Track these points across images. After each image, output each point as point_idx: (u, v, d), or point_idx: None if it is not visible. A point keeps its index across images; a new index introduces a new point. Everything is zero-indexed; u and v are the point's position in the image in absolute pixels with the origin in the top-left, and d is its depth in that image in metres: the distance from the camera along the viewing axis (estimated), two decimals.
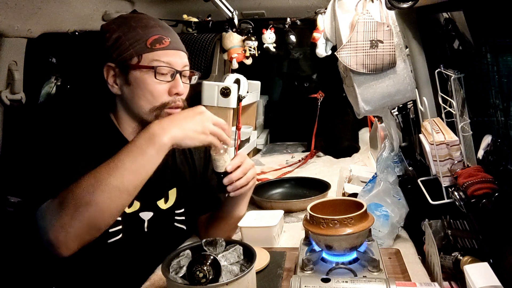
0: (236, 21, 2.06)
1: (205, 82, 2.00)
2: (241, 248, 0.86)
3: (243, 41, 2.09)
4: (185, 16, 2.18)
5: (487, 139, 0.97)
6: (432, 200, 1.08)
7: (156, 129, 0.91)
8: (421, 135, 1.17)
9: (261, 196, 1.63)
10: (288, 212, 1.47)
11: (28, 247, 1.33)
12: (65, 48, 1.90)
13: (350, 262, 0.92)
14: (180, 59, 1.06)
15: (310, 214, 0.93)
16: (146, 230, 1.11)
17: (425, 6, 1.02)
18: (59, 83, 1.97)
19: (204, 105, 2.01)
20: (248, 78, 2.24)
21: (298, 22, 2.17)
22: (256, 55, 2.11)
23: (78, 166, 0.93)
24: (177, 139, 0.92)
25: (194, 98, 1.98)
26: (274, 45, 2.19)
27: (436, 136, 1.07)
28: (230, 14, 2.02)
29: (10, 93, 1.45)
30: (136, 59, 1.02)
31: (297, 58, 2.96)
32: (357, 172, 1.74)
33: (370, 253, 0.93)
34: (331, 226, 0.88)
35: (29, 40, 1.49)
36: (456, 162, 1.05)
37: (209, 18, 2.14)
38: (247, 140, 2.43)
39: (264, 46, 2.16)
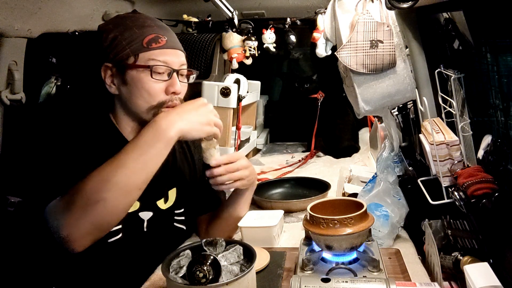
0: (236, 21, 2.06)
1: (205, 82, 2.00)
2: (241, 248, 0.86)
3: (243, 41, 2.09)
4: (185, 16, 2.18)
5: (487, 139, 0.97)
6: (432, 200, 1.08)
7: (162, 123, 0.92)
8: (421, 135, 1.17)
9: (261, 196, 1.63)
10: (288, 212, 1.47)
11: (28, 247, 1.33)
12: (65, 48, 1.90)
13: (350, 262, 0.92)
14: (177, 58, 1.06)
15: (310, 214, 0.93)
16: (145, 230, 1.11)
17: (425, 6, 1.02)
18: (59, 83, 1.97)
19: None
20: (248, 78, 2.24)
21: (298, 22, 2.17)
22: (256, 55, 2.11)
23: (80, 165, 0.93)
24: (184, 131, 0.94)
25: (194, 98, 1.97)
26: (274, 45, 2.19)
27: (436, 136, 1.07)
28: (230, 14, 2.02)
29: (10, 93, 1.45)
30: (132, 58, 1.02)
31: (297, 58, 2.96)
32: (357, 172, 1.74)
33: (370, 253, 0.93)
34: (331, 226, 0.88)
35: (29, 40, 1.49)
36: (456, 162, 1.05)
37: (209, 18, 2.14)
38: (247, 140, 2.43)
39: (264, 46, 2.16)
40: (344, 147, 2.39)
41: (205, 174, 1.26)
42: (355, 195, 1.34)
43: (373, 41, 1.11)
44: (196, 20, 2.16)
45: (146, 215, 1.12)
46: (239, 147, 2.19)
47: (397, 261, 1.01)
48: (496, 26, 0.88)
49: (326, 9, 1.31)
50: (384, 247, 1.11)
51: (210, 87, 2.00)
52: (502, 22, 0.85)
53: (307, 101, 2.49)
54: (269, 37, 2.16)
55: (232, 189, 1.18)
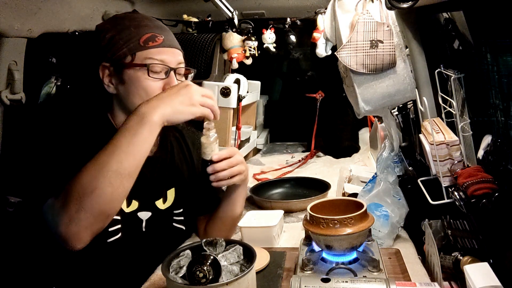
0: (236, 21, 2.06)
1: (205, 82, 2.00)
2: (241, 248, 0.86)
3: (243, 41, 2.09)
4: (185, 16, 2.18)
5: (487, 139, 0.97)
6: (432, 200, 1.08)
7: (144, 109, 0.92)
8: (421, 135, 1.17)
9: (261, 196, 1.63)
10: (288, 212, 1.47)
11: (28, 247, 1.33)
12: (65, 48, 1.90)
13: (350, 262, 0.92)
14: (174, 56, 1.06)
15: (310, 214, 0.93)
16: (144, 230, 1.11)
17: (425, 6, 1.02)
18: (59, 83, 1.97)
19: None
20: (248, 78, 2.24)
21: (298, 22, 2.17)
22: (256, 55, 2.11)
23: (78, 165, 0.93)
24: (166, 115, 0.92)
25: None
26: (274, 45, 2.19)
27: (436, 136, 1.07)
28: (230, 14, 2.02)
29: (10, 93, 1.45)
30: (129, 57, 1.02)
31: (297, 58, 2.96)
32: (357, 172, 1.74)
33: (370, 253, 0.93)
34: (331, 226, 0.88)
35: (29, 40, 1.49)
36: (456, 162, 1.05)
37: (209, 18, 2.14)
38: (247, 140, 2.43)
39: (264, 46, 2.16)
40: (344, 147, 2.39)
41: (203, 173, 1.26)
42: (355, 195, 1.34)
43: (373, 41, 1.11)
44: (196, 20, 2.16)
45: (144, 215, 1.12)
46: (239, 147, 2.19)
47: (397, 261, 1.01)
48: (496, 26, 0.88)
49: (326, 9, 1.31)
50: (384, 247, 1.11)
51: (210, 87, 2.00)
52: (502, 22, 0.85)
53: (307, 101, 2.50)
54: (269, 37, 2.16)
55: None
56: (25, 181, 1.01)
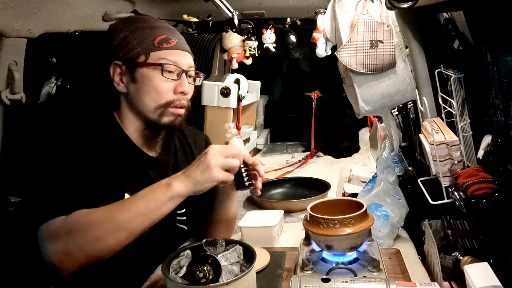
0: (236, 21, 2.06)
1: (205, 82, 2.00)
2: (241, 248, 0.86)
3: (243, 41, 2.09)
4: (185, 16, 2.18)
5: (487, 139, 0.97)
6: (432, 200, 1.08)
7: (171, 180, 0.93)
8: (421, 135, 1.17)
9: (261, 196, 1.63)
10: (288, 212, 1.47)
11: (27, 246, 1.33)
12: (65, 48, 1.91)
13: (350, 262, 0.92)
14: (186, 59, 1.08)
15: (310, 214, 0.93)
16: (147, 230, 1.11)
17: (425, 6, 1.02)
18: (59, 83, 1.97)
19: (204, 105, 2.03)
20: (248, 78, 2.24)
21: (298, 22, 2.17)
22: (256, 55, 2.11)
23: (83, 162, 0.95)
24: (190, 187, 0.92)
25: (195, 98, 1.97)
26: (274, 45, 2.19)
27: (436, 136, 1.07)
28: (230, 14, 2.02)
29: (10, 93, 1.45)
30: (143, 57, 1.03)
31: (297, 58, 2.96)
32: (357, 172, 1.74)
33: (370, 253, 0.93)
34: (331, 226, 0.88)
35: (29, 40, 1.49)
36: (456, 162, 1.05)
37: (209, 18, 2.14)
38: (247, 140, 2.43)
39: (264, 46, 2.16)
40: (344, 147, 2.39)
41: None
42: (355, 195, 1.34)
43: (373, 41, 1.11)
44: (196, 20, 2.16)
45: None
46: None
47: (397, 261, 1.01)
48: (496, 26, 0.88)
49: (326, 9, 1.31)
50: (384, 247, 1.11)
51: (210, 87, 2.00)
52: (502, 22, 0.85)
53: (306, 100, 2.50)
54: (269, 37, 2.16)
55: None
56: (29, 181, 1.01)
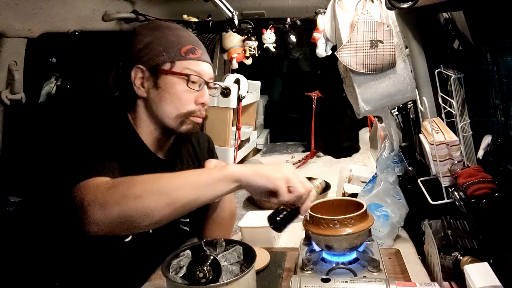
0: (236, 21, 2.06)
1: None
2: (241, 248, 0.86)
3: (243, 41, 2.09)
4: (185, 16, 2.18)
5: (487, 139, 0.97)
6: (432, 200, 1.08)
7: (230, 166, 0.87)
8: (421, 135, 1.17)
9: None
10: None
11: (33, 243, 1.33)
12: (65, 48, 1.91)
13: (350, 262, 0.92)
14: (208, 70, 1.10)
15: (310, 214, 0.93)
16: (150, 231, 1.11)
17: (425, 6, 1.02)
18: (59, 83, 1.97)
19: None
20: (248, 78, 2.23)
21: (298, 22, 2.17)
22: (256, 55, 2.11)
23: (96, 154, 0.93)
24: (246, 173, 0.85)
25: None
26: (274, 45, 2.19)
27: (436, 136, 1.07)
28: (230, 14, 2.02)
29: (10, 93, 1.45)
30: (169, 64, 1.03)
31: (297, 58, 2.96)
32: (357, 172, 1.74)
33: (370, 253, 0.93)
34: (331, 226, 0.88)
35: (29, 40, 1.49)
36: (456, 162, 1.05)
37: (209, 18, 2.14)
38: (247, 140, 2.43)
39: (264, 46, 2.16)
40: (344, 147, 2.39)
41: None
42: (355, 195, 1.34)
43: (373, 41, 1.11)
44: (196, 20, 2.16)
45: None
46: (239, 147, 2.19)
47: (397, 261, 1.01)
48: (496, 26, 0.88)
49: (326, 9, 1.31)
50: (384, 247, 1.11)
51: None
52: (502, 22, 0.85)
53: (306, 100, 2.50)
54: (269, 37, 2.16)
55: None
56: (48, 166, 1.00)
